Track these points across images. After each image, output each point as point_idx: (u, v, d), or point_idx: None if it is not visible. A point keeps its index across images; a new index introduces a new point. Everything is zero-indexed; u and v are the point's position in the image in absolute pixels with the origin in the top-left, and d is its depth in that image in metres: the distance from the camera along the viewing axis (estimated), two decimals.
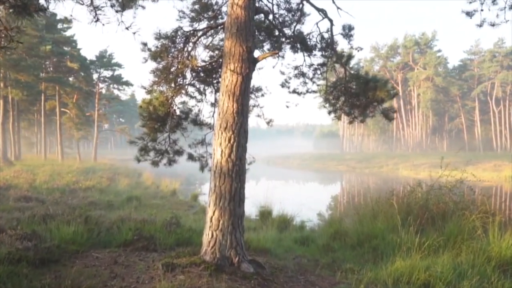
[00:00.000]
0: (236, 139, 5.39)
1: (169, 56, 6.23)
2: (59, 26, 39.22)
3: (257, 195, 14.53)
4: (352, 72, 7.33)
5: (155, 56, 6.18)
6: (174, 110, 7.10)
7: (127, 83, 47.98)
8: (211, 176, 5.53)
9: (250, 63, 5.56)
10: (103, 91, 52.69)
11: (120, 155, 68.11)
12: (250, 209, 14.39)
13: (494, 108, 73.00)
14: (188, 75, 7.27)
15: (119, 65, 46.62)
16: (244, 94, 5.49)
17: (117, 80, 47.58)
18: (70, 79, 42.57)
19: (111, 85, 49.82)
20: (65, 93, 39.96)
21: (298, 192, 30.19)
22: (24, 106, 47.20)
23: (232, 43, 5.51)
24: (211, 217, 5.40)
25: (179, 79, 7.00)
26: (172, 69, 6.50)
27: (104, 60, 45.47)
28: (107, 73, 47.17)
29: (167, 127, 7.08)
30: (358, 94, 7.43)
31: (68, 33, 40.93)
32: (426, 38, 77.80)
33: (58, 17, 36.45)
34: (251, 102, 8.00)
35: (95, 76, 46.33)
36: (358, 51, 7.42)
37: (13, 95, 32.91)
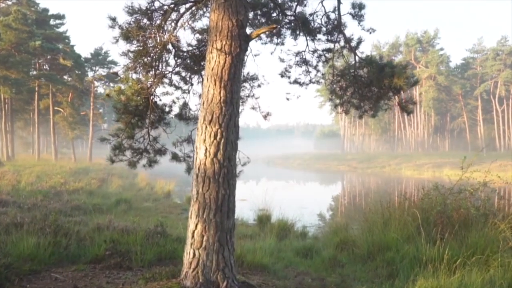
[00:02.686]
0: (224, 135, 4.33)
1: (146, 34, 5.16)
2: (52, 22, 38.07)
3: (256, 197, 13.47)
4: (363, 57, 6.26)
5: (127, 34, 5.13)
6: (155, 102, 6.03)
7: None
8: (192, 181, 4.46)
9: (241, 41, 4.50)
10: (102, 90, 51.64)
11: None
12: (248, 213, 13.36)
13: (497, 107, 71.92)
14: (172, 61, 6.21)
15: (115, 63, 45.46)
16: (234, 79, 4.43)
17: (114, 79, 46.39)
18: (65, 77, 41.43)
19: (107, 84, 48.60)
20: (58, 91, 38.80)
21: (299, 193, 29.14)
22: (19, 106, 46.18)
23: (219, 16, 4.45)
24: (193, 232, 4.34)
25: (160, 65, 5.94)
26: (150, 52, 5.43)
27: (100, 58, 44.30)
28: (103, 71, 46.02)
29: (147, 121, 6.01)
30: (369, 84, 6.38)
31: (61, 29, 39.84)
32: (428, 36, 76.70)
33: (50, 13, 35.31)
34: (245, 91, 6.95)
35: (90, 74, 45.21)
36: (371, 33, 6.37)
37: (1, 92, 31.71)
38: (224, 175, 4.31)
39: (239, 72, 4.50)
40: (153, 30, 5.09)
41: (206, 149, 4.32)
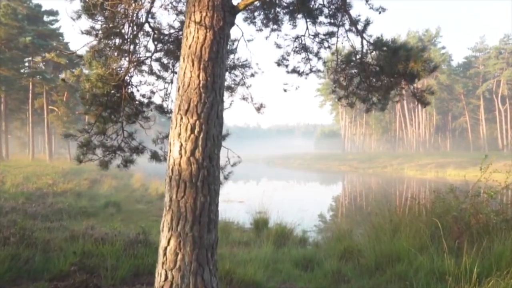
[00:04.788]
0: (204, 128, 3.48)
1: (113, 8, 4.29)
2: (45, 18, 37.17)
3: (254, 198, 12.63)
4: (372, 41, 5.40)
5: (88, 8, 4.23)
6: (131, 92, 5.18)
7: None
8: (166, 186, 3.62)
9: (225, 12, 3.65)
10: None
11: None
12: (244, 216, 12.52)
13: (499, 106, 71.02)
14: (151, 45, 5.36)
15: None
16: (216, 59, 3.58)
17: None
18: (61, 75, 40.48)
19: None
20: (53, 90, 37.80)
21: (299, 194, 28.27)
22: (14, 105, 45.36)
23: None
24: (165, 249, 3.49)
25: (136, 49, 5.09)
26: (121, 31, 4.58)
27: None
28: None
29: (121, 115, 5.15)
30: (379, 72, 5.53)
31: (55, 26, 38.84)
32: (430, 34, 75.82)
33: (43, 9, 34.35)
34: (234, 78, 6.07)
35: (86, 72, 44.14)
36: (380, 12, 5.51)
37: None
38: (203, 178, 3.46)
39: (223, 50, 3.65)
40: (122, 6, 4.24)
41: (181, 145, 3.48)
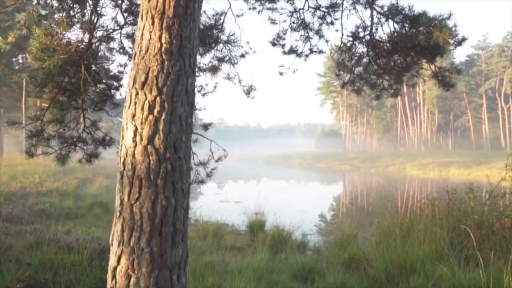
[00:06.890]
0: (166, 107, 2.58)
1: None
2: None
3: (252, 199, 11.77)
4: (383, 11, 4.50)
5: None
6: (96, 72, 4.29)
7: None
8: (117, 185, 2.72)
9: None
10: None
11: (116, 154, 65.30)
12: (240, 217, 11.65)
13: (502, 105, 70.08)
14: (120, 17, 4.47)
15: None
16: (185, 17, 2.68)
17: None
18: None
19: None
20: None
21: (299, 195, 27.35)
22: (9, 103, 44.44)
23: None
24: (114, 270, 2.59)
25: (101, 20, 4.20)
26: None
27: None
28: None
29: (82, 99, 4.25)
30: (391, 51, 4.64)
31: None
32: None
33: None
34: (220, 55, 5.15)
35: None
36: None
37: None
38: (166, 174, 2.56)
39: (194, 5, 2.75)
40: None
41: (136, 130, 2.58)
